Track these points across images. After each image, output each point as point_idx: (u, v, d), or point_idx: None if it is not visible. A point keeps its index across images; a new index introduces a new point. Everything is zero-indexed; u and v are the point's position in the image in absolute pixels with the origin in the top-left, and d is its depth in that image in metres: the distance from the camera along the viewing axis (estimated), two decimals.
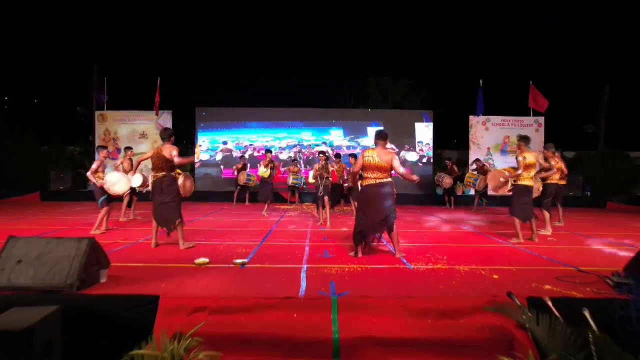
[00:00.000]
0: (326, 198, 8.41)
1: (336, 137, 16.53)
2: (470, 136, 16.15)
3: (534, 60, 17.09)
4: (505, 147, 16.15)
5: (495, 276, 4.31)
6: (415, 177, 5.35)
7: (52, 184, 15.50)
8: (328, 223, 8.31)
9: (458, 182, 15.43)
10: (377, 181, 5.16)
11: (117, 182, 7.23)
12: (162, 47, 18.66)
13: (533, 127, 16.06)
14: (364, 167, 5.22)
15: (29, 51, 17.89)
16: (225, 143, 16.72)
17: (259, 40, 19.83)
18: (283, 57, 18.98)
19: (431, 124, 16.60)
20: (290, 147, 16.52)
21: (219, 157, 16.49)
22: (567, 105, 19.84)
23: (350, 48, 20.67)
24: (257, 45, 19.95)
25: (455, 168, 13.75)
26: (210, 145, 16.49)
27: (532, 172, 6.50)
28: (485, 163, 12.75)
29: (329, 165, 8.55)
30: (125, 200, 9.08)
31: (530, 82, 15.68)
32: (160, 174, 5.71)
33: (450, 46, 19.44)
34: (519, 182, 6.47)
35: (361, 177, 5.41)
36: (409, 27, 20.63)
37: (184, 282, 4.05)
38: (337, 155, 11.02)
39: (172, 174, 5.81)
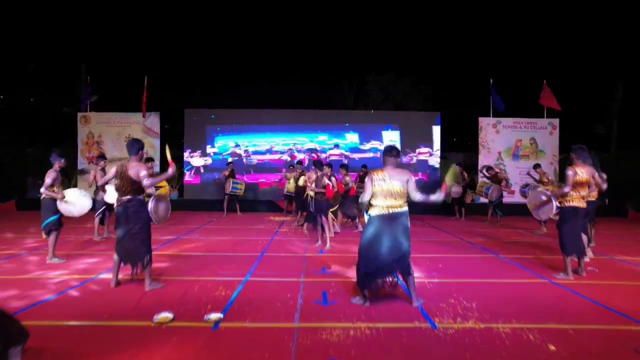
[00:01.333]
0: (322, 218, 7.31)
1: (351, 140, 15.53)
2: (479, 139, 15.07)
3: (546, 59, 16.05)
4: (517, 152, 15.08)
5: (551, 347, 3.22)
6: (439, 196, 4.21)
7: (29, 191, 14.42)
8: (328, 244, 7.23)
9: (468, 190, 14.38)
10: (390, 211, 4.08)
11: (74, 201, 6.10)
12: (149, 45, 17.54)
13: (547, 129, 14.98)
14: (373, 194, 4.12)
15: (14, 49, 16.78)
16: (237, 146, 15.70)
17: (253, 39, 18.75)
18: (278, 56, 17.89)
19: (438, 126, 15.54)
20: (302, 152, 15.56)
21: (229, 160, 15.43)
22: (576, 105, 18.74)
23: (350, 44, 19.55)
24: (251, 44, 18.90)
25: (466, 175, 12.66)
26: (217, 149, 15.56)
27: (584, 192, 5.33)
28: (498, 170, 11.61)
29: (325, 178, 7.44)
30: (97, 218, 7.99)
31: (544, 81, 14.62)
32: (125, 198, 4.64)
33: (456, 43, 18.34)
34: (567, 204, 5.34)
35: (367, 205, 4.29)
36: (412, 21, 19.53)
37: (134, 357, 2.98)
38: (329, 165, 9.86)
39: (141, 196, 4.72)
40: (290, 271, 5.62)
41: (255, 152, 15.69)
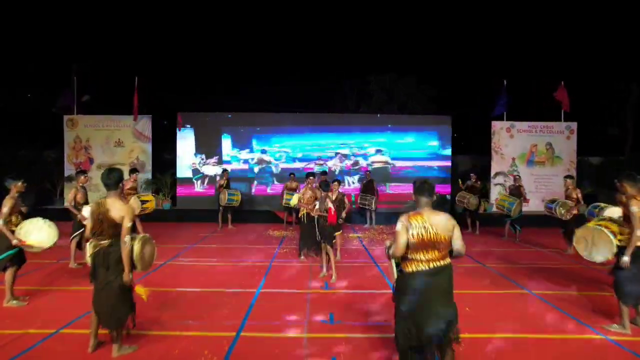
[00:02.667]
0: (327, 245, 6.43)
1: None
2: (492, 144, 14.18)
3: (562, 60, 15.12)
4: (532, 157, 14.20)
5: None
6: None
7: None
8: (334, 277, 6.35)
9: (481, 200, 13.49)
10: (432, 265, 3.19)
11: (37, 231, 5.18)
12: (140, 43, 16.57)
13: (564, 134, 14.09)
14: (409, 245, 3.24)
15: (5, 48, 15.82)
16: (264, 152, 14.68)
17: (252, 38, 17.78)
18: (277, 57, 16.94)
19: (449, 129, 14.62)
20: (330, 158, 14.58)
21: (256, 169, 14.57)
22: (591, 107, 17.82)
23: (351, 44, 18.59)
24: (250, 43, 17.90)
25: (479, 184, 11.76)
26: (237, 153, 14.48)
27: None
28: (521, 184, 10.69)
29: (328, 200, 6.54)
30: (74, 241, 7.10)
31: (562, 82, 13.70)
32: (104, 242, 3.75)
33: (467, 41, 17.39)
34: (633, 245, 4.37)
35: (400, 258, 3.38)
36: (418, 17, 18.56)
37: None
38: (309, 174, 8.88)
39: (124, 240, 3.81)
40: (291, 318, 4.74)
41: (279, 159, 14.67)
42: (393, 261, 3.42)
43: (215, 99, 15.82)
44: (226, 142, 14.52)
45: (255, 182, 14.49)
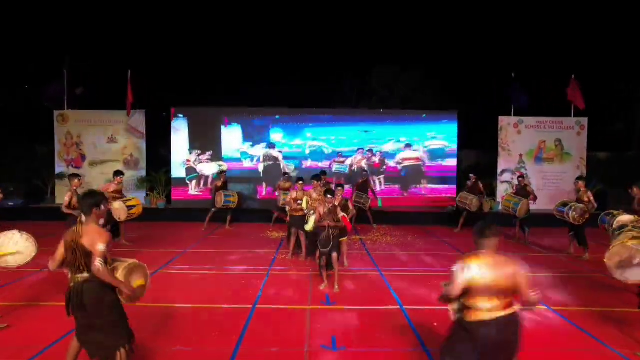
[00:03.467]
0: (334, 255, 5.96)
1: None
2: (499, 140, 13.66)
3: (573, 52, 14.50)
4: (541, 154, 13.69)
5: None
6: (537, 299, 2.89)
7: None
8: (336, 286, 5.90)
9: (486, 198, 13.00)
10: (496, 316, 2.76)
11: (12, 245, 4.70)
12: (134, 35, 15.95)
13: (574, 129, 13.57)
14: (469, 291, 2.80)
15: None
16: (271, 146, 13.85)
17: (249, 33, 17.13)
18: (274, 52, 16.31)
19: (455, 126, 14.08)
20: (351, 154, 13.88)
21: (260, 167, 13.84)
22: (599, 103, 17.19)
23: (352, 38, 17.93)
24: (248, 38, 17.24)
25: (481, 186, 11.26)
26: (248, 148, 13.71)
27: None
28: (527, 183, 10.20)
29: (339, 209, 6.07)
30: None
31: (573, 77, 13.15)
32: (80, 277, 3.24)
33: (472, 32, 16.75)
34: None
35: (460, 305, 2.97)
36: (419, 8, 17.88)
37: None
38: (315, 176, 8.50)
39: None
40: (289, 344, 4.29)
41: (289, 156, 13.89)
42: (452, 306, 3.00)
43: (213, 96, 15.17)
44: (234, 135, 13.87)
45: (264, 185, 13.71)
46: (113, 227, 8.24)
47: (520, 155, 13.67)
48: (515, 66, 13.57)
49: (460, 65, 16.03)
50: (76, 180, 7.05)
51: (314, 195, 7.47)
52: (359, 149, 13.90)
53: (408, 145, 13.95)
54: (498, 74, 14.10)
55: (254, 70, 16.87)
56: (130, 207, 8.28)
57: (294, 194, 7.91)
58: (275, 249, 8.75)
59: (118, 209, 8.10)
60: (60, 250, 3.31)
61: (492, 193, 13.48)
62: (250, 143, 13.83)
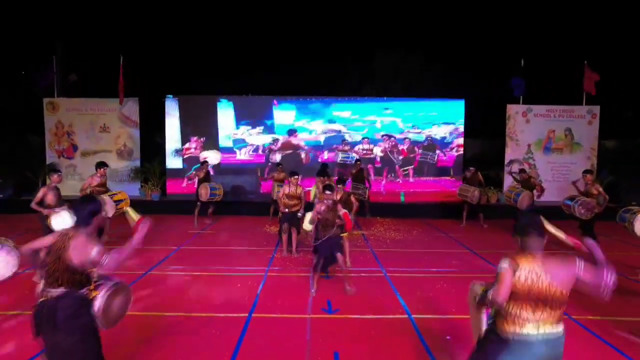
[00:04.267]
0: (339, 256, 5.52)
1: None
2: (507, 129, 13.15)
3: (584, 37, 13.82)
4: (550, 144, 13.18)
5: None
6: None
7: None
8: (348, 287, 5.51)
9: (492, 189, 12.56)
10: (542, 330, 2.36)
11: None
12: (125, 19, 15.26)
13: (586, 118, 13.04)
14: (515, 295, 2.38)
15: None
16: (291, 133, 13.10)
17: (244, 13, 16.37)
18: (273, 36, 15.59)
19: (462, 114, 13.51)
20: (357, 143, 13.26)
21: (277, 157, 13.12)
22: (611, 88, 16.56)
23: (354, 21, 17.17)
24: (243, 19, 16.49)
25: (481, 177, 10.80)
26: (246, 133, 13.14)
27: None
28: (532, 175, 9.74)
29: (340, 206, 5.63)
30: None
31: (585, 62, 12.56)
32: (54, 292, 2.77)
33: (478, 17, 16.01)
34: None
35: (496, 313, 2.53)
36: None
37: None
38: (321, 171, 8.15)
39: (82, 291, 2.83)
40: (287, 359, 3.89)
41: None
42: (484, 311, 2.60)
43: (210, 83, 14.53)
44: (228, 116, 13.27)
45: (264, 173, 12.89)
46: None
47: (529, 145, 13.17)
48: (524, 52, 12.96)
49: (468, 50, 15.35)
50: (56, 176, 6.54)
51: (288, 189, 7.38)
52: (363, 138, 13.35)
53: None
54: (507, 60, 13.47)
55: (252, 55, 16.23)
56: (117, 202, 7.80)
57: (286, 189, 7.52)
58: (274, 246, 8.32)
59: (105, 204, 7.64)
60: (45, 243, 2.88)
61: (498, 184, 13.03)
62: (248, 125, 13.28)
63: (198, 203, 10.16)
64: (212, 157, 13.01)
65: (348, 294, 5.49)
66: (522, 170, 9.82)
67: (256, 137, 13.27)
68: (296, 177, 7.54)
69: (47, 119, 13.04)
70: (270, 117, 13.29)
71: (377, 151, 13.30)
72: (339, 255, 5.52)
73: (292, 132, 13.22)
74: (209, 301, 5.32)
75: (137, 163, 13.18)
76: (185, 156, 13.16)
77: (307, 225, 6.17)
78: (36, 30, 14.34)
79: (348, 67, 17.92)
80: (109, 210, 7.63)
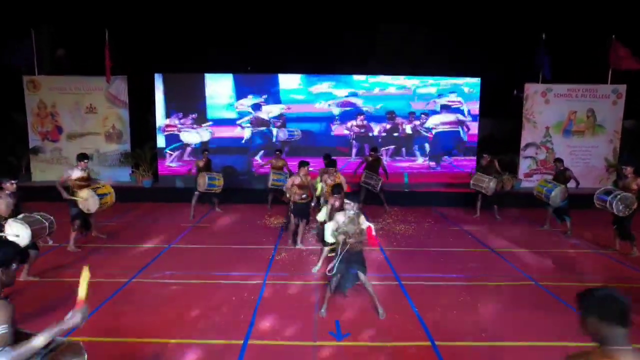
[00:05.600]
0: (362, 276, 4.70)
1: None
2: (524, 111, 12.19)
3: (612, 8, 12.64)
4: (570, 127, 12.27)
5: None
6: None
7: None
8: (380, 310, 4.73)
9: (507, 175, 11.70)
10: None
11: None
12: None
13: (610, 98, 12.08)
14: None
15: None
16: (257, 108, 12.17)
17: None
18: (272, 11, 14.31)
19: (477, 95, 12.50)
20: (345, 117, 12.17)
21: (247, 134, 12.22)
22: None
23: None
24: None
25: (497, 165, 9.96)
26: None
27: None
28: (568, 167, 8.81)
29: (362, 218, 4.83)
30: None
31: (613, 37, 11.49)
32: None
33: None
34: None
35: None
36: None
37: None
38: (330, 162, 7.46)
39: None
40: None
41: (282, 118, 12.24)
42: None
43: (204, 59, 13.41)
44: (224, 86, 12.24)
45: (259, 158, 12.30)
46: (83, 219, 7.02)
47: (547, 128, 12.25)
48: (545, 25, 11.85)
49: (482, 24, 14.15)
50: (9, 184, 5.48)
51: (329, 181, 6.85)
52: (358, 114, 12.27)
53: (446, 107, 12.24)
54: (525, 34, 12.37)
55: (250, 29, 15.04)
56: (101, 196, 7.01)
57: (297, 180, 7.03)
58: (274, 243, 7.58)
59: (87, 199, 6.82)
60: None
61: (513, 169, 12.19)
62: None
63: (196, 193, 9.42)
64: (190, 138, 12.18)
65: (381, 319, 4.70)
66: (557, 160, 8.75)
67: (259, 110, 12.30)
68: (305, 167, 7.11)
69: (29, 99, 12.08)
70: (275, 87, 12.29)
71: (377, 130, 12.35)
72: (362, 276, 4.70)
73: (257, 106, 12.17)
74: (196, 323, 4.59)
75: (127, 146, 12.31)
76: (165, 133, 12.20)
77: (321, 216, 5.29)
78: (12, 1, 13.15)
79: (353, 42, 16.71)
80: (92, 205, 6.88)
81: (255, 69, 12.46)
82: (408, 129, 12.39)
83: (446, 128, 12.38)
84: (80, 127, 12.27)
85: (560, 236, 8.27)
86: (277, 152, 10.40)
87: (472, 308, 5.01)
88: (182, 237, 7.90)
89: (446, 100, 12.32)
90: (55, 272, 5.95)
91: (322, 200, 7.28)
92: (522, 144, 12.27)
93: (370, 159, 10.40)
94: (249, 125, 12.24)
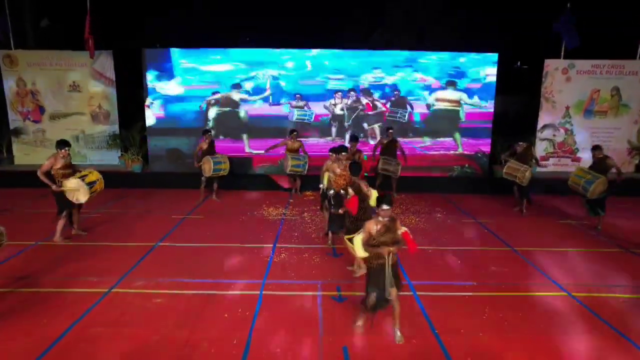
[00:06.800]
0: (393, 292, 3.98)
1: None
2: (543, 89, 11.28)
3: None
4: (592, 106, 11.39)
5: None
6: None
7: None
8: (398, 333, 4.08)
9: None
10: None
11: None
12: None
13: (639, 75, 11.12)
14: None
15: None
16: (237, 87, 10.90)
17: None
18: None
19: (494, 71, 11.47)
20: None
21: (211, 113, 11.07)
22: None
23: None
24: None
25: (534, 152, 9.23)
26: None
27: None
28: (609, 155, 7.86)
29: (398, 223, 4.10)
30: None
31: None
32: None
33: None
34: None
35: None
36: None
37: None
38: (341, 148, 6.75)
39: None
40: None
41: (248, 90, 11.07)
42: None
43: (197, 32, 12.35)
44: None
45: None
46: (70, 212, 6.45)
47: (567, 108, 11.36)
48: None
49: None
50: None
51: (338, 170, 6.16)
52: (349, 89, 11.12)
53: (450, 84, 11.03)
54: (548, 4, 11.30)
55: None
56: (90, 184, 6.35)
57: (336, 169, 6.29)
58: (273, 239, 6.90)
59: (74, 188, 6.19)
60: None
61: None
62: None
63: (203, 179, 8.89)
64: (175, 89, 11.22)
65: (398, 342, 4.05)
66: (596, 147, 7.67)
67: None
68: (344, 153, 6.58)
69: (6, 76, 11.15)
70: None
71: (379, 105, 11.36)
72: (393, 292, 3.97)
73: (236, 86, 11.19)
74: (181, 350, 3.92)
75: (116, 128, 11.46)
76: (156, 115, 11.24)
77: (359, 249, 4.43)
78: None
79: (358, 16, 15.58)
80: (81, 195, 6.26)
81: (255, 44, 11.40)
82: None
83: (446, 105, 11.19)
84: (64, 107, 11.40)
85: (589, 232, 7.57)
86: (294, 133, 9.58)
87: (500, 328, 4.35)
88: (172, 233, 7.20)
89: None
90: (29, 281, 5.26)
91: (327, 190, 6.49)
92: (539, 125, 11.42)
93: (386, 141, 9.61)
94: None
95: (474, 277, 5.59)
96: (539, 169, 11.25)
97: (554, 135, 11.45)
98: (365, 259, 4.18)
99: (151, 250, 6.37)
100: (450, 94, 11.11)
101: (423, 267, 5.85)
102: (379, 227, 3.94)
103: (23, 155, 11.47)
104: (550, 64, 11.11)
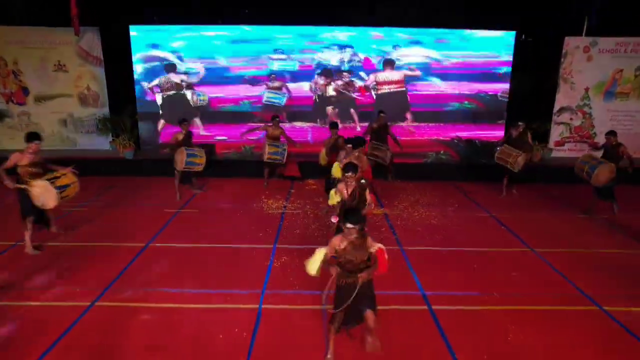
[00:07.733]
0: (368, 314, 3.54)
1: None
2: (561, 70, 10.53)
3: None
4: (613, 88, 10.67)
5: None
6: None
7: None
8: (375, 342, 3.61)
9: (535, 143, 10.24)
10: None
11: None
12: None
13: None
14: None
15: None
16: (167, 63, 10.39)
17: None
18: None
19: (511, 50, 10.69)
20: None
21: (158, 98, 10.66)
22: None
23: None
24: None
25: (530, 137, 8.64)
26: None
27: None
28: (622, 142, 7.32)
29: (368, 237, 3.55)
30: None
31: None
32: None
33: None
34: None
35: None
36: None
37: None
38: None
39: None
40: None
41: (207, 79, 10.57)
42: None
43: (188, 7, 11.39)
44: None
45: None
46: (37, 214, 5.69)
47: (586, 89, 10.65)
48: None
49: None
50: None
51: (345, 192, 4.99)
52: (343, 71, 10.54)
53: (417, 42, 10.42)
54: None
55: None
56: (61, 188, 5.66)
57: (343, 190, 4.84)
58: (273, 239, 6.38)
59: (42, 193, 5.45)
60: None
61: (544, 137, 10.71)
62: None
63: (176, 172, 8.03)
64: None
65: (368, 350, 3.61)
66: (610, 133, 7.22)
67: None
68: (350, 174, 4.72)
69: None
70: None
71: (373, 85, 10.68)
72: (368, 313, 3.54)
73: (170, 67, 10.47)
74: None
75: (107, 110, 10.78)
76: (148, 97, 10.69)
77: (313, 265, 3.94)
78: None
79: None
80: (49, 199, 5.54)
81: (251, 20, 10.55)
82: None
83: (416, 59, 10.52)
84: (49, 88, 10.69)
85: (609, 228, 7.05)
86: (276, 118, 8.86)
87: (528, 351, 3.87)
88: (164, 230, 6.68)
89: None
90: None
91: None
92: (556, 108, 10.73)
93: (376, 125, 8.90)
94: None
95: (494, 285, 5.08)
96: (556, 154, 10.74)
97: (571, 119, 10.79)
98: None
99: (140, 252, 5.85)
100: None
101: (438, 273, 5.35)
102: (344, 244, 3.42)
103: (9, 139, 10.83)
104: (570, 42, 10.33)
